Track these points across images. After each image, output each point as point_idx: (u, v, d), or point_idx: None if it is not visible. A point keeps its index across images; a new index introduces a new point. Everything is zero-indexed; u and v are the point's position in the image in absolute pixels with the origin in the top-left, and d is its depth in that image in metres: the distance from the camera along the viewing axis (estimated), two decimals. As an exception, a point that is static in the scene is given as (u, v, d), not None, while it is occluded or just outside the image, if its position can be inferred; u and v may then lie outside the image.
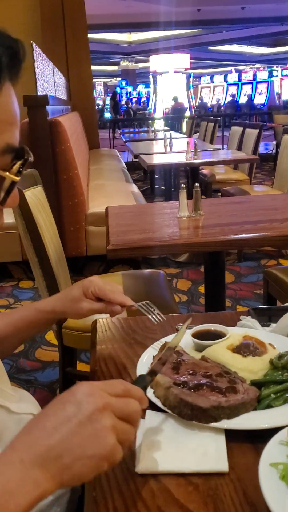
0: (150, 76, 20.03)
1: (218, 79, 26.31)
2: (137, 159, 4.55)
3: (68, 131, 3.59)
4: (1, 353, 0.95)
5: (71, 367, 1.91)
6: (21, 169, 0.59)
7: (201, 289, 3.26)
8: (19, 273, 3.68)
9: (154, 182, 6.81)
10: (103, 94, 27.24)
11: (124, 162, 6.84)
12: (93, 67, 7.23)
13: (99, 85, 27.19)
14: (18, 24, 6.10)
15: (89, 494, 0.61)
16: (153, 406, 0.73)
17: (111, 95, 18.89)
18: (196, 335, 0.90)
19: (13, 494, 0.48)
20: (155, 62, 18.95)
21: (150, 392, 0.74)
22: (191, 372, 0.75)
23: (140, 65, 24.99)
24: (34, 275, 1.86)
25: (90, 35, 6.99)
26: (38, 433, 0.53)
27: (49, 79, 4.46)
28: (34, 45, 3.53)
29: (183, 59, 18.86)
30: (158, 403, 0.72)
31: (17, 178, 0.59)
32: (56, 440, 0.52)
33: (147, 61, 21.53)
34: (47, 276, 1.75)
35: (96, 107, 9.55)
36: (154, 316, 0.93)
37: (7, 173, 0.58)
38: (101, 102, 24.06)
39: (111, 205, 2.19)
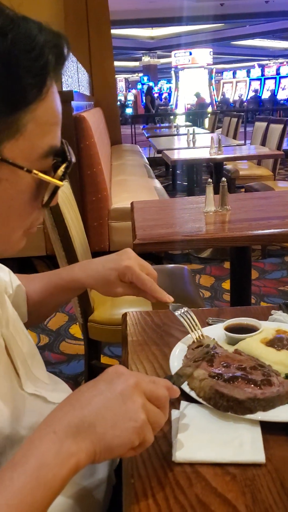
0: (172, 72, 19.96)
1: (241, 74, 26.09)
2: (159, 155, 4.54)
3: (92, 126, 3.61)
4: (36, 318, 0.96)
5: (95, 359, 1.93)
6: (65, 173, 0.59)
7: (225, 285, 3.25)
8: (43, 267, 3.72)
9: (176, 177, 6.80)
10: (124, 90, 27.25)
11: (146, 158, 6.84)
12: (115, 63, 7.21)
13: (120, 81, 27.20)
14: (42, 19, 6.11)
15: (127, 481, 0.62)
16: (187, 398, 0.74)
17: (145, 91, 18.77)
18: (229, 329, 0.90)
19: (49, 466, 0.50)
20: (177, 58, 18.87)
21: (185, 383, 0.75)
22: (225, 364, 0.75)
23: (162, 60, 24.91)
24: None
25: (112, 31, 6.99)
26: (70, 407, 0.55)
27: (73, 75, 4.48)
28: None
29: (205, 54, 18.76)
30: (193, 394, 0.73)
31: (61, 184, 0.59)
32: (88, 412, 0.54)
33: (169, 56, 21.46)
34: (74, 270, 1.77)
35: (118, 102, 9.54)
36: (187, 321, 0.89)
37: (52, 179, 0.58)
38: (122, 98, 24.05)
39: (134, 200, 2.21)
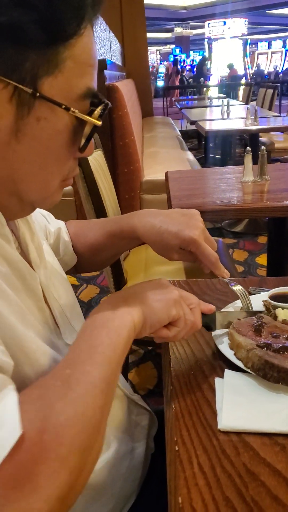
0: (205, 43, 19.43)
1: (277, 44, 25.21)
2: (191, 127, 4.44)
3: (125, 96, 3.54)
4: (98, 263, 0.97)
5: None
6: (102, 114, 0.57)
7: (259, 260, 3.19)
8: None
9: (208, 150, 6.66)
10: (156, 62, 26.75)
11: (178, 130, 6.72)
12: (147, 34, 7.04)
13: (152, 52, 26.68)
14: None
15: (171, 448, 0.60)
16: (232, 367, 0.71)
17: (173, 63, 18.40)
18: (273, 298, 0.86)
19: (112, 318, 0.57)
20: (211, 28, 18.34)
21: (230, 353, 0.72)
22: (274, 335, 0.72)
23: (195, 31, 24.28)
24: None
25: (145, 1, 6.81)
26: (116, 294, 0.64)
27: (105, 44, 4.40)
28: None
29: (240, 24, 18.17)
30: (240, 364, 0.70)
31: (99, 123, 0.57)
32: (132, 289, 0.65)
33: (202, 27, 20.89)
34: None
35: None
36: (245, 303, 0.85)
37: (90, 118, 0.56)
38: (154, 70, 23.63)
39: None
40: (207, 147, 6.69)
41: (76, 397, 0.48)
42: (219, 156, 5.40)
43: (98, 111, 0.57)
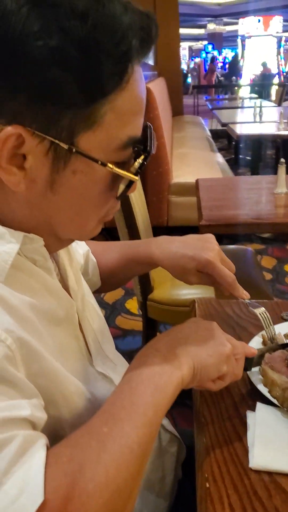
0: (238, 40, 19.20)
1: (312, 43, 24.70)
2: (222, 127, 4.40)
3: (157, 98, 3.53)
4: (108, 286, 0.97)
5: (153, 338, 1.92)
6: (142, 167, 0.55)
7: (287, 268, 3.14)
8: (100, 238, 3.73)
9: (239, 151, 6.59)
10: (187, 58, 26.57)
11: (208, 130, 6.67)
12: (179, 30, 6.99)
13: (183, 49, 26.50)
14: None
15: (202, 484, 0.59)
16: (264, 400, 0.70)
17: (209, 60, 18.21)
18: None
19: (160, 374, 0.55)
20: (244, 25, 18.11)
21: (264, 389, 0.71)
22: (309, 369, 0.71)
23: (228, 28, 23.98)
24: (123, 244, 1.87)
25: (179, -3, 6.77)
26: (163, 336, 0.62)
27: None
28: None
29: (275, 22, 17.87)
30: (276, 402, 0.69)
31: (137, 178, 0.56)
32: (182, 335, 0.62)
33: (236, 23, 20.61)
34: (136, 246, 1.75)
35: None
36: (266, 326, 0.83)
37: (127, 173, 0.55)
38: (185, 67, 23.49)
39: (196, 176, 2.13)
40: (238, 147, 6.62)
41: (110, 461, 0.46)
42: (250, 158, 5.34)
43: (137, 163, 0.55)
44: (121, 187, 0.57)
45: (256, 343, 0.84)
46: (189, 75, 18.14)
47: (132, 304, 2.75)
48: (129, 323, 2.58)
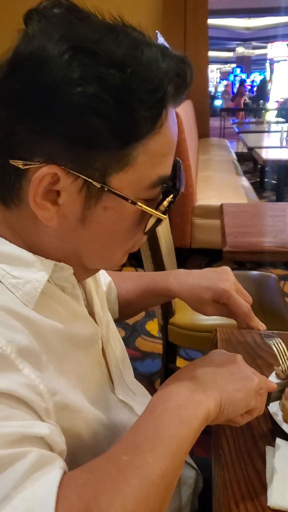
0: (267, 64, 19.33)
1: None
2: (248, 151, 4.41)
3: (184, 121, 3.57)
4: (123, 316, 0.97)
5: (172, 362, 1.92)
6: (170, 206, 0.57)
7: (310, 294, 3.11)
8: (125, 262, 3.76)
9: (264, 175, 6.59)
10: (215, 81, 26.81)
11: (234, 152, 6.68)
12: (208, 53, 7.07)
13: (211, 71, 26.78)
14: (141, 8, 6.19)
15: (219, 521, 0.59)
16: (284, 434, 0.70)
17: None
18: None
19: (186, 407, 0.54)
20: (273, 50, 18.21)
21: (285, 425, 0.70)
22: None
23: (257, 51, 24.18)
24: (145, 269, 1.88)
25: (209, 21, 6.85)
26: (189, 368, 0.61)
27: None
28: (159, 34, 3.53)
29: (303, 47, 17.92)
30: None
31: (165, 217, 0.57)
32: (209, 369, 0.60)
33: (265, 47, 20.77)
34: (159, 270, 1.75)
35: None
36: (281, 358, 0.83)
37: (155, 212, 0.57)
38: (212, 89, 23.69)
39: (221, 199, 2.14)
40: (263, 171, 6.61)
41: (129, 492, 0.43)
42: (275, 181, 5.32)
43: (166, 202, 0.57)
44: (150, 222, 0.59)
45: (273, 376, 0.83)
46: (221, 97, 18.21)
47: (153, 326, 2.75)
48: (148, 345, 2.58)
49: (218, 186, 4.09)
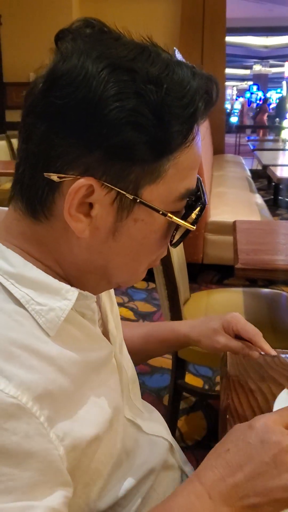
0: (284, 82, 19.42)
1: None
2: (261, 168, 4.42)
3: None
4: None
5: (181, 378, 1.90)
6: (198, 217, 0.58)
7: None
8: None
9: (278, 193, 6.58)
10: (232, 98, 26.98)
11: (248, 169, 6.69)
12: (225, 70, 7.14)
13: (228, 88, 26.94)
14: (159, 25, 6.28)
15: None
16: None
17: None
18: None
19: None
20: (290, 68, 18.28)
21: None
22: None
23: (274, 70, 24.32)
24: (157, 283, 1.88)
25: (226, 38, 6.93)
26: (222, 470, 0.54)
27: (185, 84, 4.49)
28: (176, 51, 3.57)
29: None
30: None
31: (193, 227, 0.59)
32: (241, 480, 0.53)
33: (282, 66, 20.88)
34: (170, 285, 1.75)
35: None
36: None
37: (185, 223, 0.58)
38: (229, 106, 23.83)
39: (234, 215, 2.14)
40: (277, 188, 6.61)
41: None
42: (289, 200, 5.33)
43: (195, 213, 0.58)
44: (176, 235, 0.60)
45: (284, 397, 0.82)
46: (244, 115, 18.31)
47: (162, 341, 2.73)
48: (158, 360, 2.56)
49: (232, 203, 4.09)
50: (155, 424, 0.80)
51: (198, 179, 0.60)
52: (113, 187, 0.52)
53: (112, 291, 0.74)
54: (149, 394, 2.23)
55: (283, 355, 0.85)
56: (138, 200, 0.54)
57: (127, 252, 0.58)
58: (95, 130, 0.50)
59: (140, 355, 0.97)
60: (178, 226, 0.59)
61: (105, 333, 0.69)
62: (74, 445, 0.52)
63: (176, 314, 1.78)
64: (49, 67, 0.52)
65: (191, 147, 0.54)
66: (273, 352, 0.84)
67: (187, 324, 0.95)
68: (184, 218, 0.58)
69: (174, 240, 0.61)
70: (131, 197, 0.53)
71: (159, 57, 0.52)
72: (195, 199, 0.59)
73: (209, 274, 3.75)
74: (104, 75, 0.49)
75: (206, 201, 0.60)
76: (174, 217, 0.57)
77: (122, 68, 0.50)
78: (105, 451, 0.60)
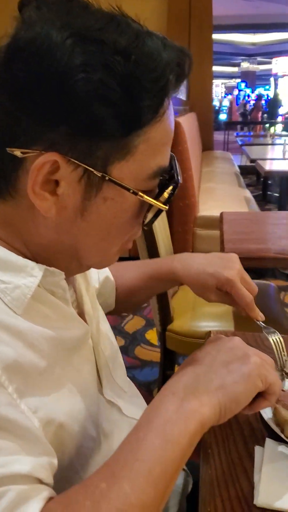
0: (271, 79, 19.50)
1: None
2: (250, 164, 4.43)
3: (186, 132, 3.59)
4: (133, 304, 0.97)
5: (170, 370, 1.91)
6: (171, 196, 0.57)
7: (311, 305, 3.09)
8: (125, 268, 3.75)
9: (267, 188, 6.61)
10: (220, 95, 27.03)
11: (237, 166, 6.71)
12: (213, 68, 7.14)
13: (216, 86, 26.97)
14: (145, 22, 6.26)
15: (204, 519, 0.58)
16: (274, 434, 0.69)
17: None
18: None
19: (173, 422, 0.50)
20: (278, 65, 18.38)
21: (277, 429, 0.69)
22: None
23: (261, 67, 24.40)
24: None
25: (214, 36, 6.93)
26: (183, 370, 0.57)
27: (171, 80, 4.49)
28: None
29: (308, 62, 18.10)
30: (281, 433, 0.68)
31: (166, 207, 0.57)
32: (201, 369, 0.56)
33: (269, 63, 20.97)
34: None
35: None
36: (278, 353, 0.81)
37: (156, 202, 0.56)
38: (217, 103, 23.87)
39: (223, 210, 2.14)
40: (266, 184, 6.63)
41: None
42: (277, 194, 5.34)
43: (166, 193, 0.56)
44: (148, 215, 0.58)
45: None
46: (233, 112, 18.33)
47: (152, 335, 2.73)
48: (148, 354, 2.56)
49: (221, 197, 4.10)
50: (137, 409, 0.79)
51: (172, 157, 0.58)
52: (80, 164, 0.50)
53: (88, 271, 0.73)
54: (139, 388, 2.22)
55: (265, 329, 0.83)
56: (107, 178, 0.51)
57: (97, 232, 0.56)
58: (59, 104, 0.48)
59: (140, 296, 0.97)
60: (151, 206, 0.57)
61: (81, 314, 0.69)
62: (48, 420, 0.51)
63: (163, 306, 1.78)
64: (11, 36, 0.49)
65: (162, 122, 0.52)
66: (259, 317, 0.80)
67: (184, 269, 0.86)
68: (157, 197, 0.57)
69: (147, 220, 0.58)
70: (99, 174, 0.51)
71: (128, 27, 0.50)
72: (168, 178, 0.57)
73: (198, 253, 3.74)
74: (69, 45, 0.47)
75: (180, 179, 0.58)
76: (146, 196, 0.54)
77: (89, 38, 0.47)
78: (78, 432, 0.59)
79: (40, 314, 0.56)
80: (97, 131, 0.49)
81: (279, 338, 0.80)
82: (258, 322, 0.81)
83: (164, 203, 0.57)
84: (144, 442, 0.48)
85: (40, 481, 0.47)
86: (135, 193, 0.54)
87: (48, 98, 0.48)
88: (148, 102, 0.50)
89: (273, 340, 0.80)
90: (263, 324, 0.82)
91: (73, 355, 0.61)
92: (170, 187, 0.57)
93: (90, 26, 0.48)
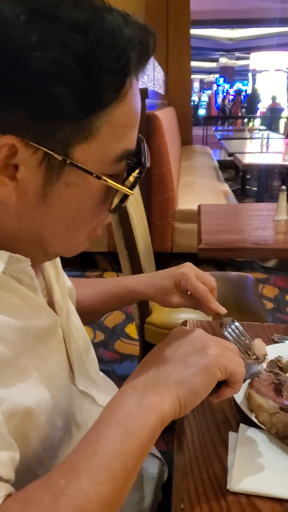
0: (249, 74, 19.63)
1: None
2: (230, 158, 4.45)
3: (164, 125, 3.58)
4: (86, 320, 0.94)
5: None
6: (137, 181, 0.55)
7: (289, 297, 3.12)
8: (104, 263, 3.74)
9: (245, 182, 6.65)
10: (199, 91, 27.10)
11: (216, 160, 6.74)
12: (191, 63, 7.15)
13: (195, 81, 27.03)
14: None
15: (177, 506, 0.58)
16: (246, 421, 0.69)
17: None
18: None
19: (134, 416, 0.49)
20: (256, 60, 18.51)
21: (251, 414, 0.69)
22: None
23: (240, 62, 24.52)
24: (122, 267, 1.87)
25: (192, 31, 6.93)
26: (144, 366, 0.56)
27: (149, 73, 4.48)
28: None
29: (285, 57, 18.26)
30: (262, 427, 0.67)
31: (132, 192, 0.55)
32: (162, 363, 0.55)
33: (247, 58, 21.08)
34: (135, 269, 1.74)
35: (192, 103, 9.47)
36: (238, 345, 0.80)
37: (122, 187, 0.54)
38: (196, 99, 23.92)
39: (202, 203, 2.14)
40: (244, 178, 6.67)
41: None
42: (256, 188, 5.38)
43: (132, 177, 0.54)
44: (115, 200, 0.56)
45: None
46: (226, 107, 18.30)
47: (132, 329, 2.73)
48: (128, 348, 2.56)
49: (199, 191, 4.11)
50: (109, 397, 0.78)
51: (140, 139, 0.57)
52: (39, 147, 0.48)
53: (58, 260, 0.72)
54: (118, 382, 2.21)
55: (224, 329, 0.83)
56: (68, 161, 0.49)
57: (61, 219, 0.54)
58: (14, 83, 0.45)
59: (98, 311, 0.97)
60: (117, 191, 0.55)
61: (51, 303, 0.67)
62: (12, 412, 0.49)
63: (143, 304, 1.77)
64: None
65: (125, 102, 0.50)
66: (220, 310, 0.79)
67: (140, 284, 0.88)
68: (124, 182, 0.55)
69: (112, 206, 0.56)
70: (60, 157, 0.49)
71: (87, 3, 0.47)
72: (136, 162, 0.55)
73: (179, 263, 3.62)
74: (23, 21, 0.44)
75: (147, 163, 0.56)
76: (110, 180, 0.52)
77: (44, 14, 0.45)
78: (44, 423, 0.57)
79: (6, 302, 0.54)
80: (56, 112, 0.47)
81: (236, 328, 0.80)
82: (221, 316, 0.81)
83: (130, 188, 0.55)
84: (104, 436, 0.47)
85: (0, 478, 0.45)
86: (99, 177, 0.52)
87: (2, 78, 0.46)
88: (109, 82, 0.48)
89: (230, 335, 0.80)
90: (223, 316, 0.81)
91: (41, 345, 0.59)
92: (137, 171, 0.55)
93: (45, 1, 0.46)
